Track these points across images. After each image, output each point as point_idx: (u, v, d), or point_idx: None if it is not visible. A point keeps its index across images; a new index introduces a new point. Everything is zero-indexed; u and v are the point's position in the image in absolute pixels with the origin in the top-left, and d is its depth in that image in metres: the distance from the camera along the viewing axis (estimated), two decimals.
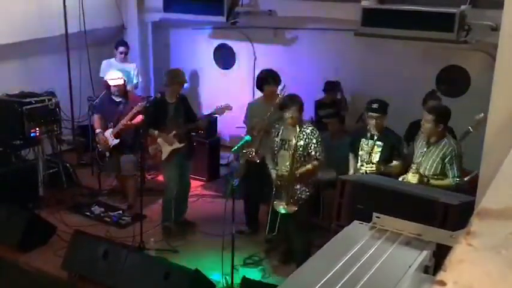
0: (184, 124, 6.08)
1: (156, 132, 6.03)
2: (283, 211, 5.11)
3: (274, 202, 5.16)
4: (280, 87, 5.89)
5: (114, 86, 6.54)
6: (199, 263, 5.23)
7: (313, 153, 5.15)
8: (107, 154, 6.69)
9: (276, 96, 5.87)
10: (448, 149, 4.84)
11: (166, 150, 6.05)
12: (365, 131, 5.36)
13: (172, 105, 6.07)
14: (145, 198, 6.10)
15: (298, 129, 5.08)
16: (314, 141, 5.15)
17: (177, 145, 6.03)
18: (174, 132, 5.98)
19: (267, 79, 5.95)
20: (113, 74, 6.67)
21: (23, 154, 6.98)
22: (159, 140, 6.06)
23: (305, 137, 5.16)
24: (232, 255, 4.91)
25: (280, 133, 5.32)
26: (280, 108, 5.28)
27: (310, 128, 5.23)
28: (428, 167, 4.89)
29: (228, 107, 6.11)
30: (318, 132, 5.25)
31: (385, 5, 6.16)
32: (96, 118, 6.84)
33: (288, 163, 5.12)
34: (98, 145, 6.75)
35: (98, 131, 6.71)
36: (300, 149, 5.12)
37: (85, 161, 8.09)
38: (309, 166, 5.16)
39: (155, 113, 6.12)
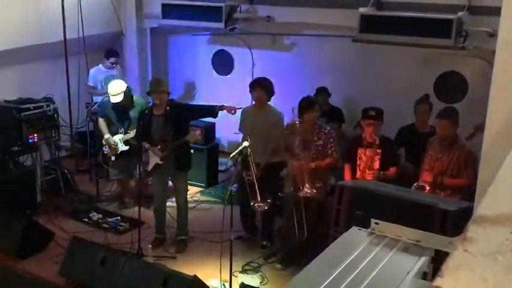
0: (172, 139, 5.77)
1: (147, 145, 5.89)
2: (302, 194, 5.23)
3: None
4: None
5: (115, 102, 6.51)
6: (197, 269, 5.22)
7: (329, 152, 5.46)
8: (113, 158, 6.67)
9: (265, 102, 5.97)
10: (465, 150, 4.88)
11: (152, 161, 5.95)
12: (360, 140, 5.38)
13: (159, 117, 5.82)
14: (143, 205, 6.10)
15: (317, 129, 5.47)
16: (331, 140, 5.46)
17: (158, 160, 5.86)
18: (159, 146, 5.82)
19: (253, 86, 6.00)
20: (114, 88, 6.46)
21: (21, 160, 6.96)
22: (149, 150, 5.95)
23: (323, 136, 5.43)
24: (231, 262, 4.89)
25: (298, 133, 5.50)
26: (304, 111, 5.48)
27: (327, 128, 5.56)
28: (444, 170, 4.92)
29: (198, 138, 6.10)
30: (334, 132, 5.62)
31: (383, 11, 6.17)
32: (101, 122, 6.82)
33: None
34: (104, 148, 6.75)
35: (106, 136, 6.69)
36: (319, 148, 5.42)
37: (83, 167, 8.08)
38: (326, 160, 5.46)
39: (142, 122, 5.96)
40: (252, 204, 5.46)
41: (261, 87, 5.93)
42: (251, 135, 5.65)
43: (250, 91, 6.03)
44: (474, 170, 4.74)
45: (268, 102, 6.03)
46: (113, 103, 6.54)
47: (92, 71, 7.86)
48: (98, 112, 7.01)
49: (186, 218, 6.18)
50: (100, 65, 7.84)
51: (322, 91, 7.26)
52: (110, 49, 7.94)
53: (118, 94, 6.42)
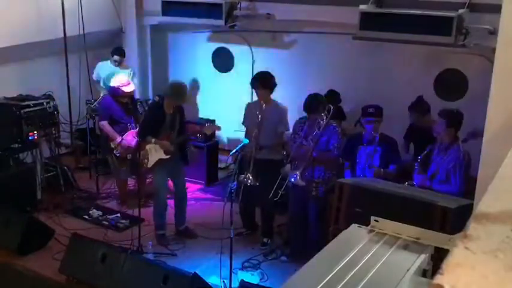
0: (177, 137, 5.99)
1: (154, 139, 5.92)
2: (293, 180, 5.27)
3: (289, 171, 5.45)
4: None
5: (126, 92, 6.65)
6: (197, 266, 5.23)
7: (331, 147, 5.43)
8: (129, 157, 6.62)
9: (268, 98, 5.97)
10: (455, 156, 4.82)
11: (152, 158, 5.95)
12: (360, 138, 5.39)
13: (170, 116, 5.97)
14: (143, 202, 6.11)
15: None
16: (335, 137, 5.42)
17: (162, 155, 5.93)
18: (165, 142, 5.91)
19: (254, 82, 6.03)
20: (121, 79, 6.66)
21: (21, 157, 6.96)
22: (148, 146, 5.93)
23: (327, 132, 5.39)
24: (231, 259, 4.90)
25: (303, 129, 5.51)
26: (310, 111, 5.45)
27: (333, 124, 5.52)
28: (435, 173, 4.89)
29: (218, 128, 6.32)
30: (339, 130, 5.58)
31: (383, 8, 6.17)
32: (106, 125, 6.75)
33: None
34: (116, 151, 6.74)
35: (119, 139, 6.68)
36: (324, 145, 5.40)
37: (83, 165, 8.08)
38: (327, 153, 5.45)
39: (153, 119, 6.02)
40: (242, 177, 5.47)
41: (263, 86, 5.93)
42: (254, 129, 5.69)
43: (253, 88, 6.09)
44: (463, 176, 4.67)
45: (271, 97, 6.05)
46: (116, 101, 6.72)
47: (98, 64, 7.89)
48: (102, 115, 6.92)
49: (185, 211, 6.29)
50: (108, 61, 7.86)
51: (330, 96, 6.84)
52: (116, 47, 7.98)
53: (129, 84, 6.67)
